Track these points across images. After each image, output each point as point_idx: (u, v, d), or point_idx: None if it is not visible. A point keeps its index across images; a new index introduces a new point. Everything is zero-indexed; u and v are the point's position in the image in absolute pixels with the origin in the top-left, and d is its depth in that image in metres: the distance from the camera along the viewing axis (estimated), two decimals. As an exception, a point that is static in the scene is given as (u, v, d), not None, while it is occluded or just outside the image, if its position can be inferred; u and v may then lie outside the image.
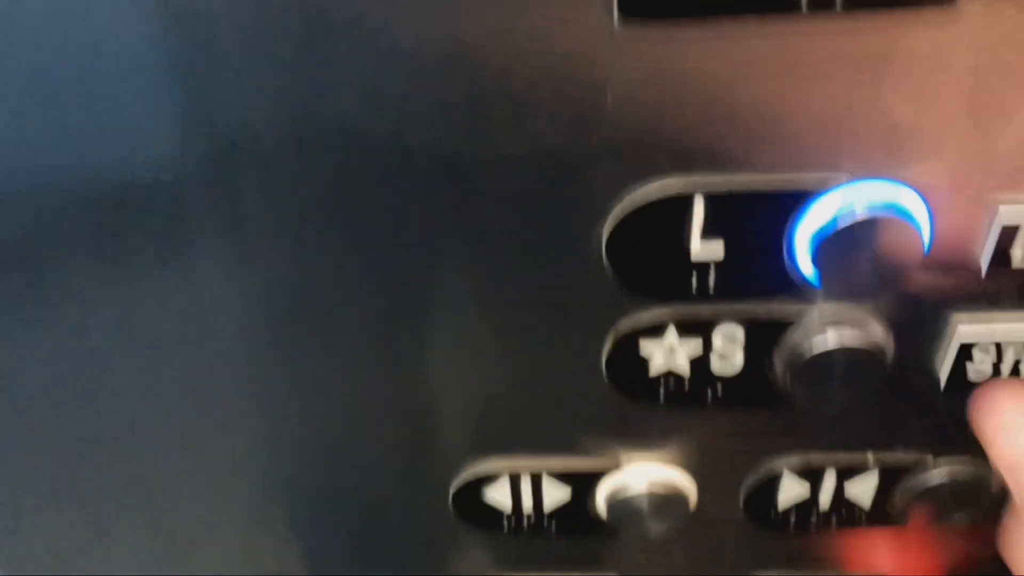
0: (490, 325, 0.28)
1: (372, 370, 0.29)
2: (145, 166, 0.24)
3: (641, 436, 0.30)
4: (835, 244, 0.23)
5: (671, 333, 0.26)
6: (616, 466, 0.31)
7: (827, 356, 0.25)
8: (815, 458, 0.30)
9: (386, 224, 0.25)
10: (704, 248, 0.24)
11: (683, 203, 0.23)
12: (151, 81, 0.23)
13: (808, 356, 0.26)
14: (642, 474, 0.30)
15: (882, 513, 0.32)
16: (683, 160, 0.23)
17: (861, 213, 0.22)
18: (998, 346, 0.26)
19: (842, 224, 0.22)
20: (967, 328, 0.25)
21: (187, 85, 0.23)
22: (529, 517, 0.33)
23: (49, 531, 0.35)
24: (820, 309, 0.25)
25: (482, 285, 0.26)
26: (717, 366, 0.27)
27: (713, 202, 0.23)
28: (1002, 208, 0.23)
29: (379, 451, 0.32)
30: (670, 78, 0.22)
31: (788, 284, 0.25)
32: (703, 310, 0.26)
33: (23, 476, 0.33)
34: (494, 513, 0.33)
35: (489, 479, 0.32)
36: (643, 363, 0.27)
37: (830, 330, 0.25)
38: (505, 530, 0.33)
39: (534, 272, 0.26)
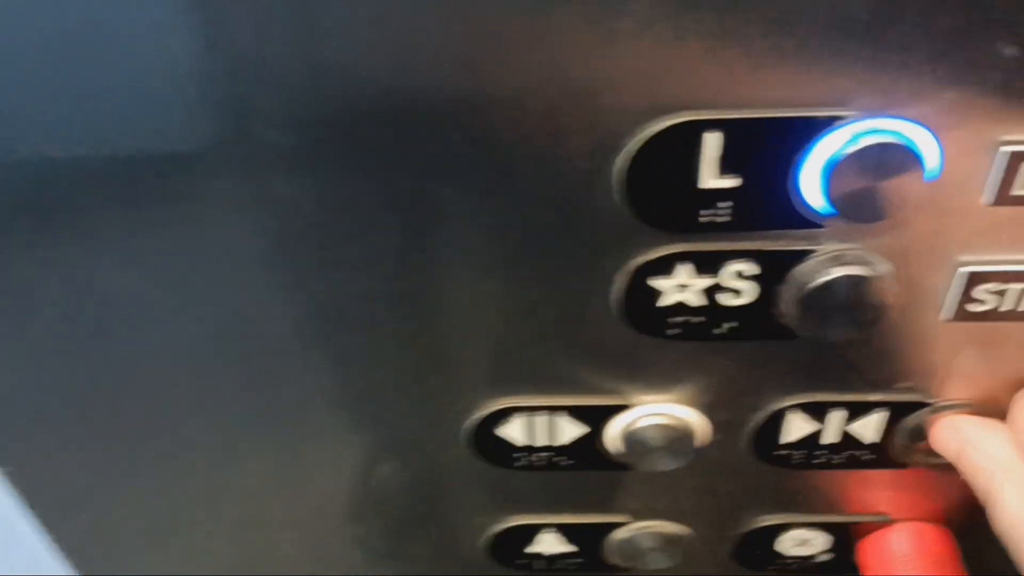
0: (504, 262, 0.28)
1: (387, 309, 0.30)
2: (156, 110, 0.25)
3: (652, 373, 0.31)
4: (846, 170, 0.23)
5: (683, 267, 0.27)
6: (627, 403, 0.32)
7: (833, 286, 0.26)
8: (821, 396, 0.31)
9: (399, 164, 0.26)
10: (716, 181, 0.25)
11: (696, 135, 0.24)
12: (162, 23, 0.23)
13: (815, 287, 0.26)
14: (652, 411, 0.31)
15: (886, 453, 0.32)
16: (696, 95, 0.24)
17: (870, 139, 0.23)
18: (1000, 279, 0.26)
19: (852, 149, 0.23)
20: (970, 261, 0.26)
21: (196, 28, 0.23)
22: (541, 454, 0.34)
23: (66, 465, 0.36)
24: (828, 243, 0.26)
25: (496, 224, 0.27)
26: (728, 300, 0.28)
27: (726, 135, 0.24)
28: (1004, 145, 0.24)
29: (394, 389, 0.33)
30: (685, 13, 0.22)
31: (798, 218, 0.26)
32: (714, 244, 0.27)
33: (39, 412, 0.34)
34: (507, 449, 0.34)
35: (503, 415, 0.32)
36: (655, 297, 0.28)
37: (837, 262, 0.26)
38: (518, 466, 0.34)
39: (548, 208, 0.27)
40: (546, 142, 0.25)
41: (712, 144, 0.24)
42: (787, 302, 0.27)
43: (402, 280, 0.29)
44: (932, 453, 0.31)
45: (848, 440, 0.32)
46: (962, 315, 0.28)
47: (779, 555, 0.38)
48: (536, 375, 0.31)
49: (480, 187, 0.26)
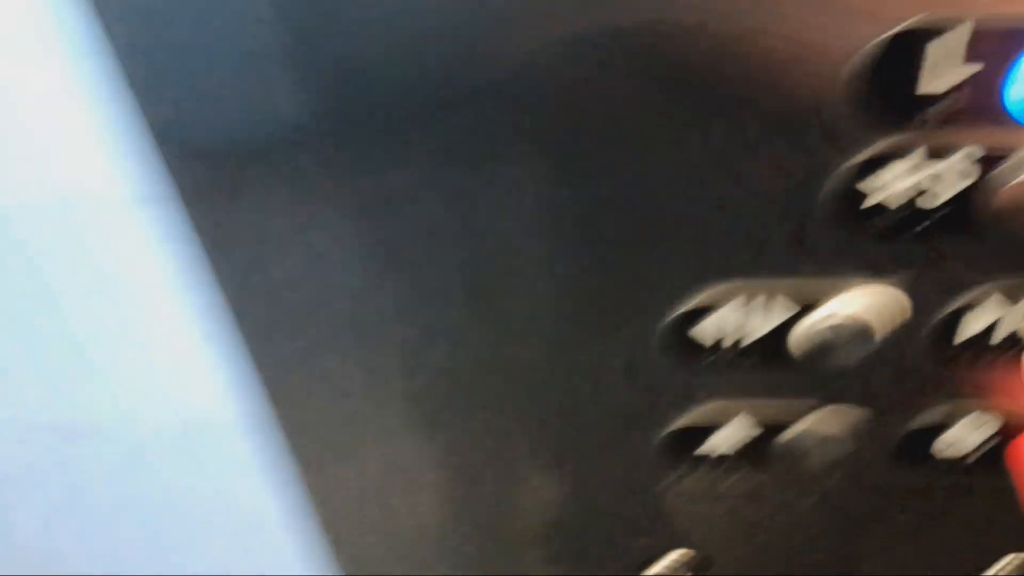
0: (710, 163, 0.31)
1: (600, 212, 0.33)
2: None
3: (851, 268, 0.33)
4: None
5: (893, 164, 0.30)
6: (822, 298, 0.34)
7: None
8: (1014, 280, 0.33)
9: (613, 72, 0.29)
10: (939, 81, 0.28)
11: (926, 38, 0.27)
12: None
13: (1014, 183, 0.29)
14: (844, 304, 0.34)
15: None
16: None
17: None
18: None
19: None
20: None
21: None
22: (730, 351, 0.37)
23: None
24: (1037, 139, 0.29)
25: (709, 127, 0.30)
26: (933, 199, 0.30)
27: (958, 35, 0.27)
28: None
29: (584, 297, 0.36)
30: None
31: (1011, 119, 0.28)
32: (928, 140, 0.29)
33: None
34: (697, 348, 0.37)
35: (700, 313, 0.35)
36: (863, 195, 0.31)
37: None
38: (705, 364, 0.37)
39: (763, 105, 0.29)
40: (768, 43, 0.27)
41: (942, 45, 0.27)
42: (992, 197, 0.30)
43: (615, 180, 0.32)
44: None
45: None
46: None
47: (939, 452, 0.40)
48: (734, 271, 0.34)
49: (708, 92, 0.29)
